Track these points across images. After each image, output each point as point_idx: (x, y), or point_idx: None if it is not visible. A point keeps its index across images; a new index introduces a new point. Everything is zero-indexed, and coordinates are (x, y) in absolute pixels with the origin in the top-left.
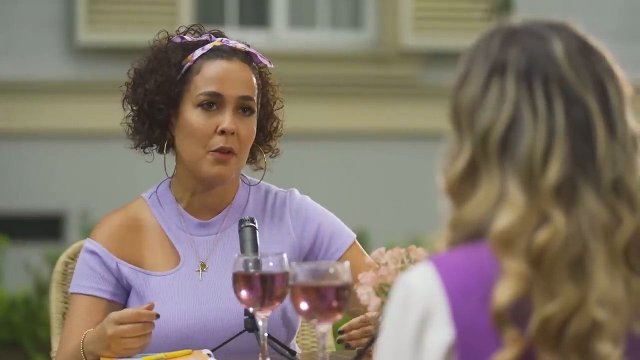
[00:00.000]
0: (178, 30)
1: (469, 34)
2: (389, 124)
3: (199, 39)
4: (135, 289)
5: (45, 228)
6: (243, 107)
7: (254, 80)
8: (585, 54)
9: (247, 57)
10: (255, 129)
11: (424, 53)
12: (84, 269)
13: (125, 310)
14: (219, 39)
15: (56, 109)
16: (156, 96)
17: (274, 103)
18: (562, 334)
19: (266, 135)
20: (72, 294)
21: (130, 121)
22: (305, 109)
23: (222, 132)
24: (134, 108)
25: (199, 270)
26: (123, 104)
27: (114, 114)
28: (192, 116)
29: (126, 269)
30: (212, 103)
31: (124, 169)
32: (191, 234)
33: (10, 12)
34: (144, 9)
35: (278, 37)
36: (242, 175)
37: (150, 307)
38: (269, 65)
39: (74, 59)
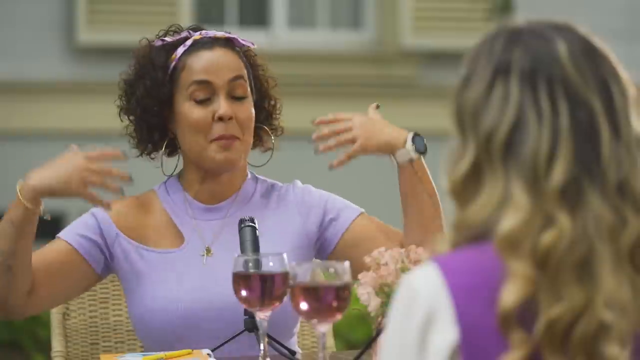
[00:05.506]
0: (158, 35)
1: (469, 34)
2: None
3: (179, 37)
4: (132, 265)
5: (45, 228)
6: (236, 93)
7: (241, 62)
8: (589, 55)
9: (228, 43)
10: (252, 111)
11: (423, 53)
12: (79, 224)
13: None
14: (198, 32)
15: (56, 109)
16: (147, 100)
17: (267, 82)
18: (568, 336)
19: (267, 114)
20: (57, 237)
21: (131, 131)
22: (305, 109)
23: (220, 118)
24: (131, 118)
25: (203, 255)
26: (120, 116)
27: (113, 114)
28: (187, 110)
29: (125, 243)
30: (205, 97)
31: (124, 169)
32: (197, 218)
33: (10, 13)
34: (144, 9)
35: (278, 37)
36: (249, 167)
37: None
38: (251, 46)
39: (74, 59)
